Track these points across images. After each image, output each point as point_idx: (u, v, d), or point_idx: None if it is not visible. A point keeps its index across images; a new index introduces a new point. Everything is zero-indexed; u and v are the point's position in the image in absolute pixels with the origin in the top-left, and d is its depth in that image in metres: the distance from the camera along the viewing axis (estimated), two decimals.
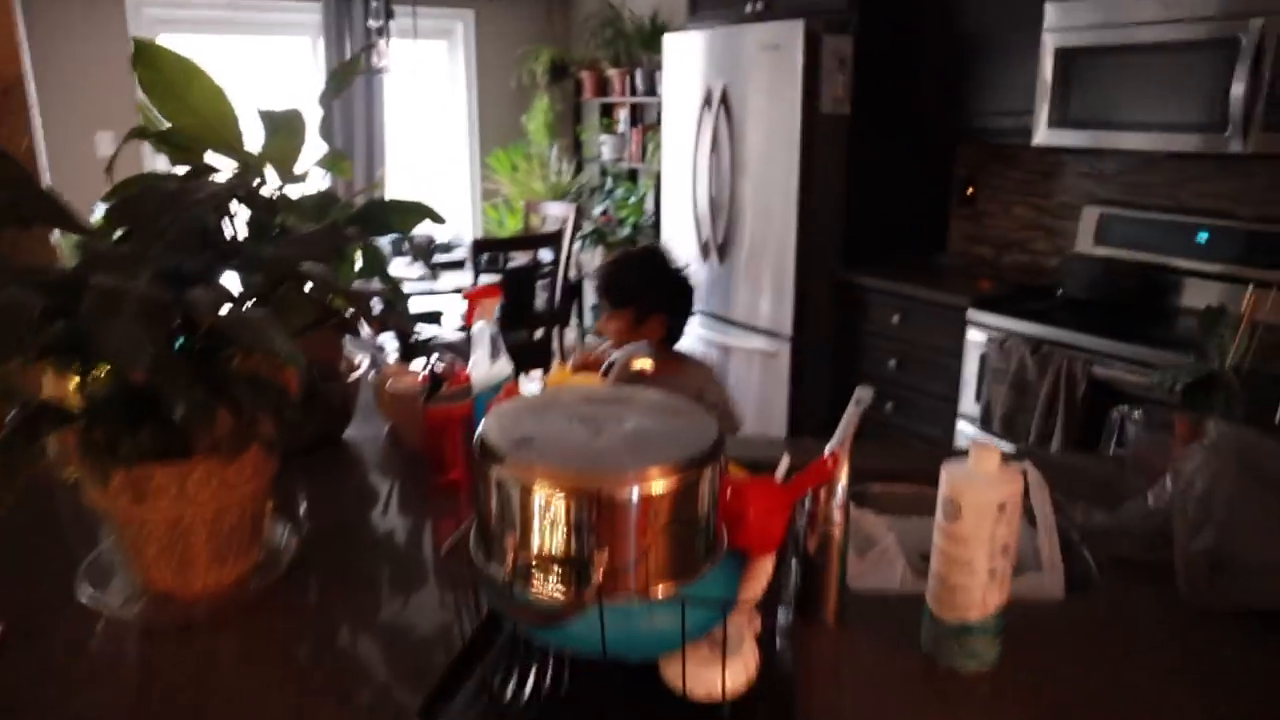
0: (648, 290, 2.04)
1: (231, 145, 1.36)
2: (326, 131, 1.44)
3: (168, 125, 1.32)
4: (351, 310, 0.93)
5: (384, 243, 4.61)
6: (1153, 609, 1.10)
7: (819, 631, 1.04)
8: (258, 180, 1.34)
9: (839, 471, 1.00)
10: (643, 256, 2.22)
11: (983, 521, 0.91)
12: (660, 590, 0.83)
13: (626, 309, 2.02)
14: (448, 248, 5.26)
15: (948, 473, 0.94)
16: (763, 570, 1.01)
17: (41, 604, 1.09)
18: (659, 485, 0.80)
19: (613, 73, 5.54)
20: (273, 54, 5.48)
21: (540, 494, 0.80)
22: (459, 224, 6.06)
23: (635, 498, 0.79)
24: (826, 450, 1.00)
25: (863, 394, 1.05)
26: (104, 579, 1.13)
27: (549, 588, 0.81)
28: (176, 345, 0.95)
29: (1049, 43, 2.85)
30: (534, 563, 0.82)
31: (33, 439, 0.83)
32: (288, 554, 1.18)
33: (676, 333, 2.04)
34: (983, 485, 0.91)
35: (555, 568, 0.81)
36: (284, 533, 1.23)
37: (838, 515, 1.01)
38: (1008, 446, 2.84)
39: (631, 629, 0.84)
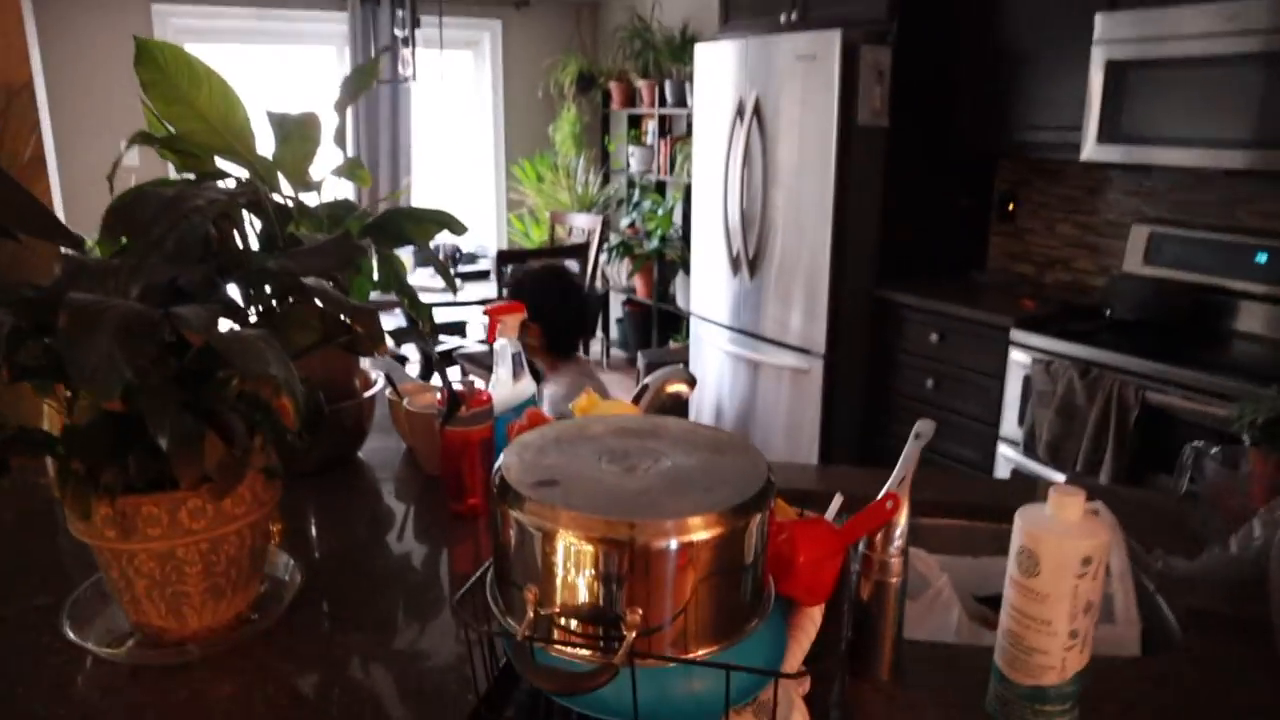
0: (527, 303, 2.38)
1: (240, 151, 1.28)
2: (340, 137, 1.36)
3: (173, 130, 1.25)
4: (360, 329, 0.84)
5: (407, 253, 4.56)
6: (1243, 670, 0.99)
7: (873, 689, 0.94)
8: (269, 188, 1.26)
9: (899, 514, 0.89)
10: (535, 274, 2.71)
11: (1064, 577, 0.81)
12: (701, 652, 0.73)
13: None
14: (472, 258, 5.21)
15: (1025, 520, 0.83)
16: (811, 621, 0.91)
17: (25, 641, 1.01)
18: (702, 534, 0.70)
19: (641, 84, 5.46)
20: (299, 64, 5.46)
21: (565, 542, 0.70)
22: (484, 235, 6.01)
23: (674, 548, 0.70)
24: (884, 489, 0.90)
25: (923, 428, 0.94)
26: (94, 614, 1.04)
27: (574, 648, 0.72)
28: (169, 367, 0.86)
29: (1098, 55, 2.73)
30: (557, 619, 0.72)
31: (1, 469, 0.75)
32: (292, 587, 1.10)
33: (554, 342, 2.52)
34: (1065, 536, 0.81)
35: (581, 625, 0.72)
36: (289, 564, 1.14)
37: (895, 563, 0.91)
38: (1056, 475, 2.72)
39: (667, 694, 0.74)
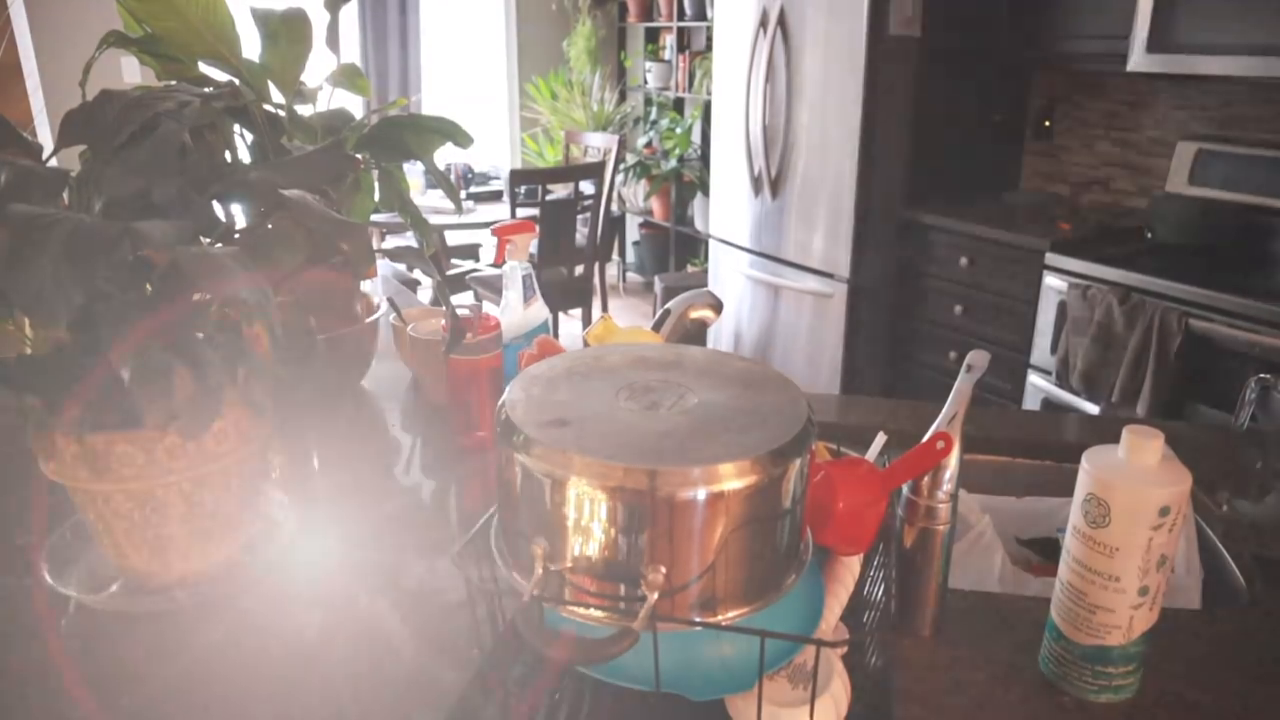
0: None
1: (225, 54, 1.17)
2: (334, 39, 1.24)
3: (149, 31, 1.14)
4: (346, 247, 0.75)
5: (418, 175, 4.43)
6: None
7: (913, 645, 0.87)
8: (258, 97, 1.16)
9: (949, 456, 0.80)
10: None
11: (1137, 529, 0.72)
12: (731, 614, 0.65)
13: None
14: (485, 179, 5.07)
15: (1093, 465, 0.74)
16: (849, 572, 0.83)
17: (1, 583, 0.95)
18: (734, 483, 0.61)
19: None
20: None
21: (578, 491, 0.62)
22: (497, 155, 5.85)
23: (702, 499, 0.61)
24: (933, 427, 0.81)
25: (976, 360, 0.85)
26: (76, 556, 0.97)
27: (588, 610, 0.64)
28: (139, 292, 0.77)
29: None
30: (569, 577, 0.64)
31: None
32: (288, 527, 1.02)
33: None
34: (1140, 482, 0.72)
35: (596, 584, 0.64)
36: (285, 502, 1.07)
37: (943, 509, 0.83)
38: (1089, 405, 2.62)
39: (693, 660, 0.67)
